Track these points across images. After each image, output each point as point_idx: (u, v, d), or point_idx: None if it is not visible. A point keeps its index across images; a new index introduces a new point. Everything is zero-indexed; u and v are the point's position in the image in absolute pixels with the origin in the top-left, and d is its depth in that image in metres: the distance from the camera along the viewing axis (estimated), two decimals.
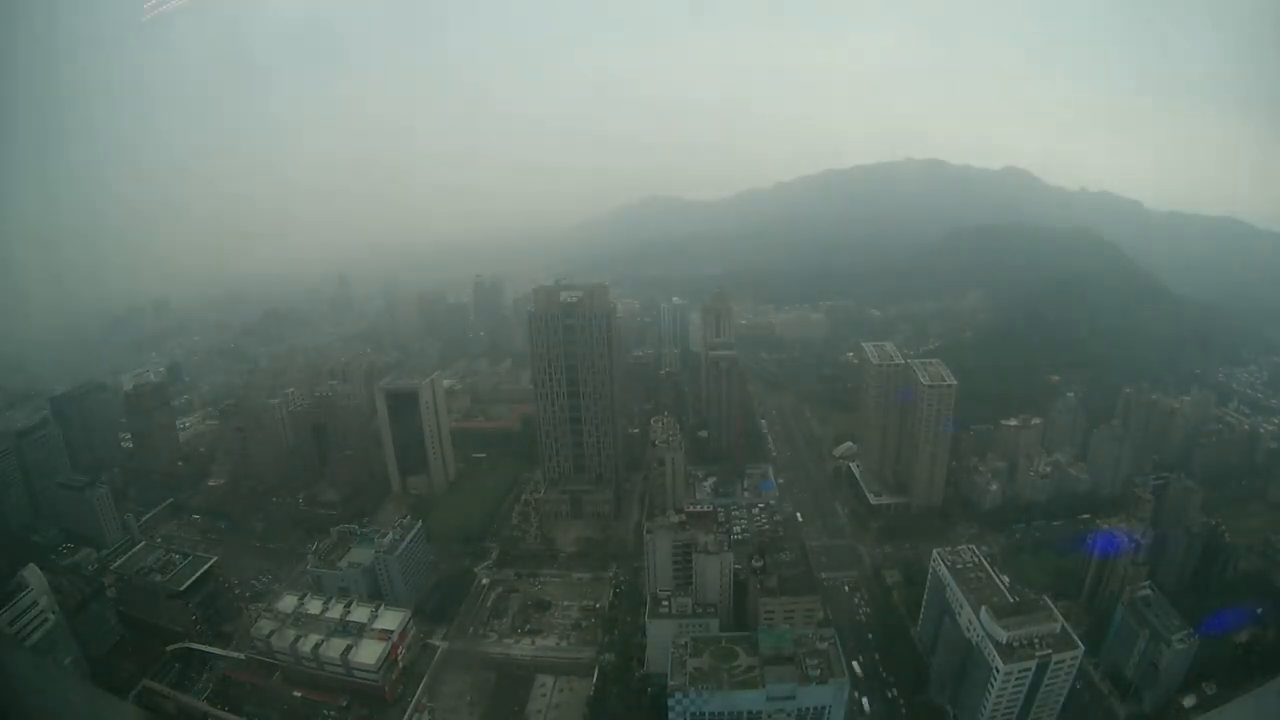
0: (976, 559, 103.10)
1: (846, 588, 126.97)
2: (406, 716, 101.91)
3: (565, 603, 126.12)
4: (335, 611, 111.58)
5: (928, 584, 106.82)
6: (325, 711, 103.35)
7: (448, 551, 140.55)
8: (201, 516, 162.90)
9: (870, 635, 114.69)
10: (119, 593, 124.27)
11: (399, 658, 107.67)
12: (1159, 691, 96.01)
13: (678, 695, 79.26)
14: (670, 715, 79.93)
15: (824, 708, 79.22)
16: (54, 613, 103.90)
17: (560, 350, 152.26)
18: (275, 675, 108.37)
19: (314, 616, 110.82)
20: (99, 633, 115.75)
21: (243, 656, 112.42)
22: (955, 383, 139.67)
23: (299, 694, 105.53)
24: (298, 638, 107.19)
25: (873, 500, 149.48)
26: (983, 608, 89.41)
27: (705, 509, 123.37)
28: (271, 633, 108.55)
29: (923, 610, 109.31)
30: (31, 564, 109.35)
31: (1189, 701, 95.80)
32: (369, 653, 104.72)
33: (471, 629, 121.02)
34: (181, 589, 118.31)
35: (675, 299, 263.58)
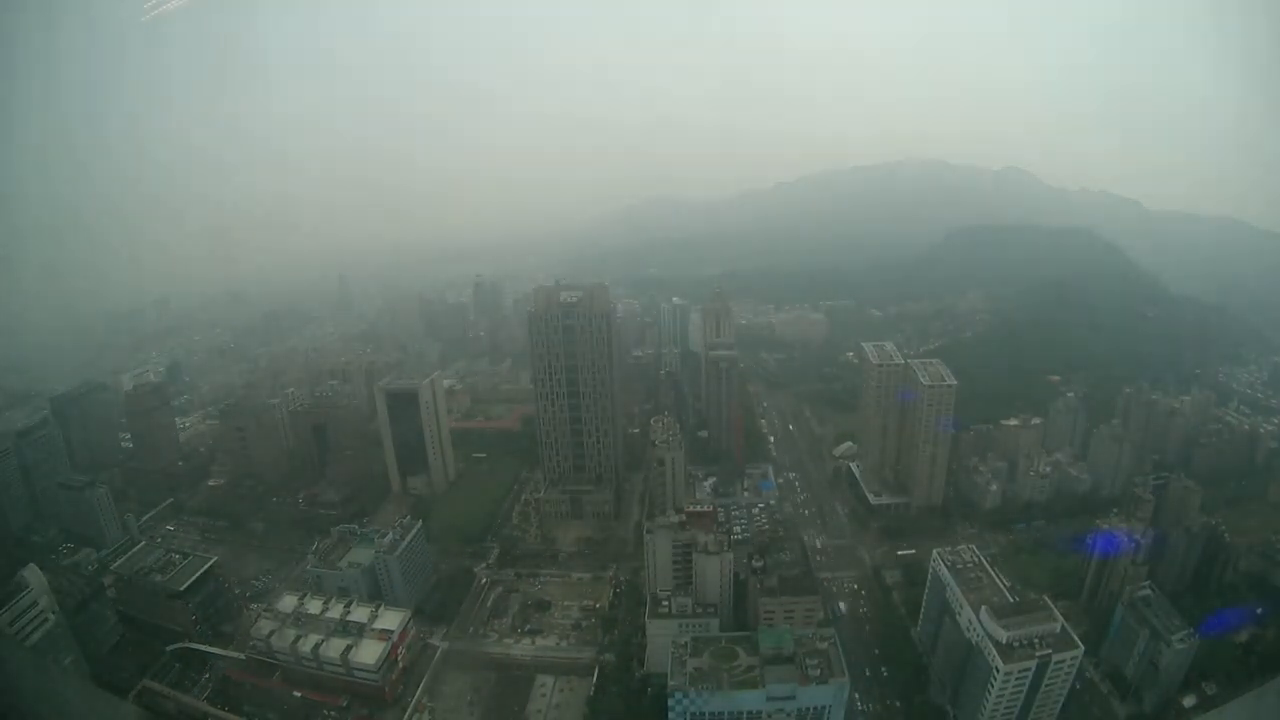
0: (976, 559, 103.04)
1: (854, 587, 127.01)
2: (406, 716, 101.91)
3: (565, 603, 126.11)
4: (335, 611, 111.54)
5: (928, 584, 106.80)
6: (325, 711, 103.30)
7: (448, 551, 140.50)
8: (201, 516, 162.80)
9: (871, 635, 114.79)
10: (119, 593, 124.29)
11: (399, 658, 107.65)
12: (1159, 691, 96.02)
13: (678, 695, 79.27)
14: (670, 715, 79.93)
15: (824, 708, 79.23)
16: (54, 613, 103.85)
17: (560, 350, 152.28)
18: (275, 675, 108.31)
19: (314, 616, 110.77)
20: (99, 633, 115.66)
21: (243, 656, 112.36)
22: (955, 383, 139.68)
23: (299, 694, 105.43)
24: (298, 638, 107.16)
25: (873, 500, 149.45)
26: (983, 608, 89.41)
27: (705, 509, 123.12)
28: (271, 633, 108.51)
29: (923, 610, 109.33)
30: (31, 564, 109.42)
31: (1189, 701, 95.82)
32: (369, 653, 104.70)
33: (471, 629, 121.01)
34: (181, 589, 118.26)
35: (675, 299, 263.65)
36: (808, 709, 79.11)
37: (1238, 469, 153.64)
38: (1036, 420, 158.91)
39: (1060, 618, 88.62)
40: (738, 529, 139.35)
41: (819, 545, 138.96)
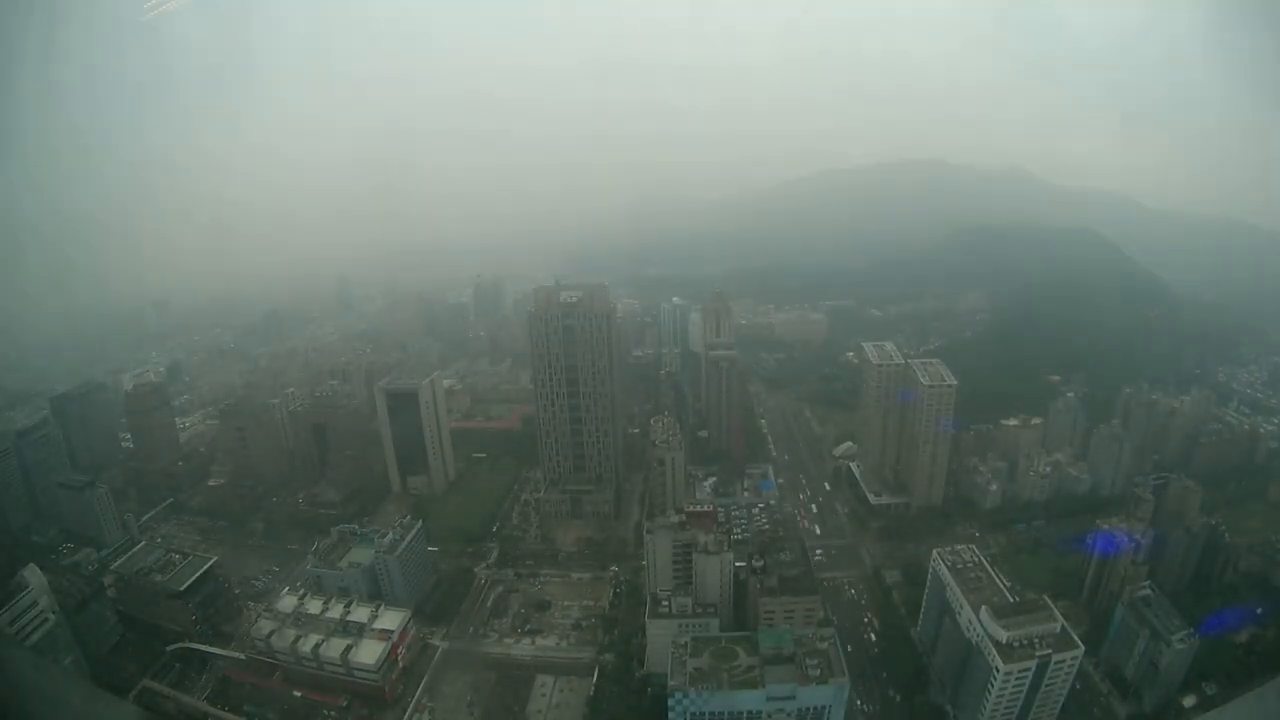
0: (976, 559, 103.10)
1: (851, 591, 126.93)
2: (406, 716, 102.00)
3: (565, 603, 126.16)
4: (335, 611, 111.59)
5: (928, 584, 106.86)
6: (325, 711, 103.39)
7: (448, 551, 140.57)
8: (201, 516, 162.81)
9: (871, 634, 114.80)
10: (119, 593, 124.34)
11: (399, 658, 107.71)
12: (1159, 691, 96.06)
13: (678, 695, 79.31)
14: (670, 715, 79.98)
15: (824, 708, 79.28)
16: (54, 613, 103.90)
17: (560, 350, 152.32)
18: (275, 675, 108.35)
19: (314, 616, 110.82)
20: (99, 633, 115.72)
21: (243, 656, 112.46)
22: (955, 383, 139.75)
23: (299, 694, 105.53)
24: (298, 638, 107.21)
25: (873, 500, 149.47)
26: (983, 608, 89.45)
27: (705, 509, 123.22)
28: (271, 633, 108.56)
29: (923, 610, 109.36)
30: (31, 564, 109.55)
31: (1189, 701, 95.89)
32: (369, 653, 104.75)
33: (471, 629, 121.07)
34: (181, 589, 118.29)
35: (675, 299, 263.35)
36: (808, 709, 79.14)
37: (1238, 469, 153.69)
38: (1036, 420, 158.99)
39: (1060, 618, 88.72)
40: (738, 529, 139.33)
41: (819, 545, 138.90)
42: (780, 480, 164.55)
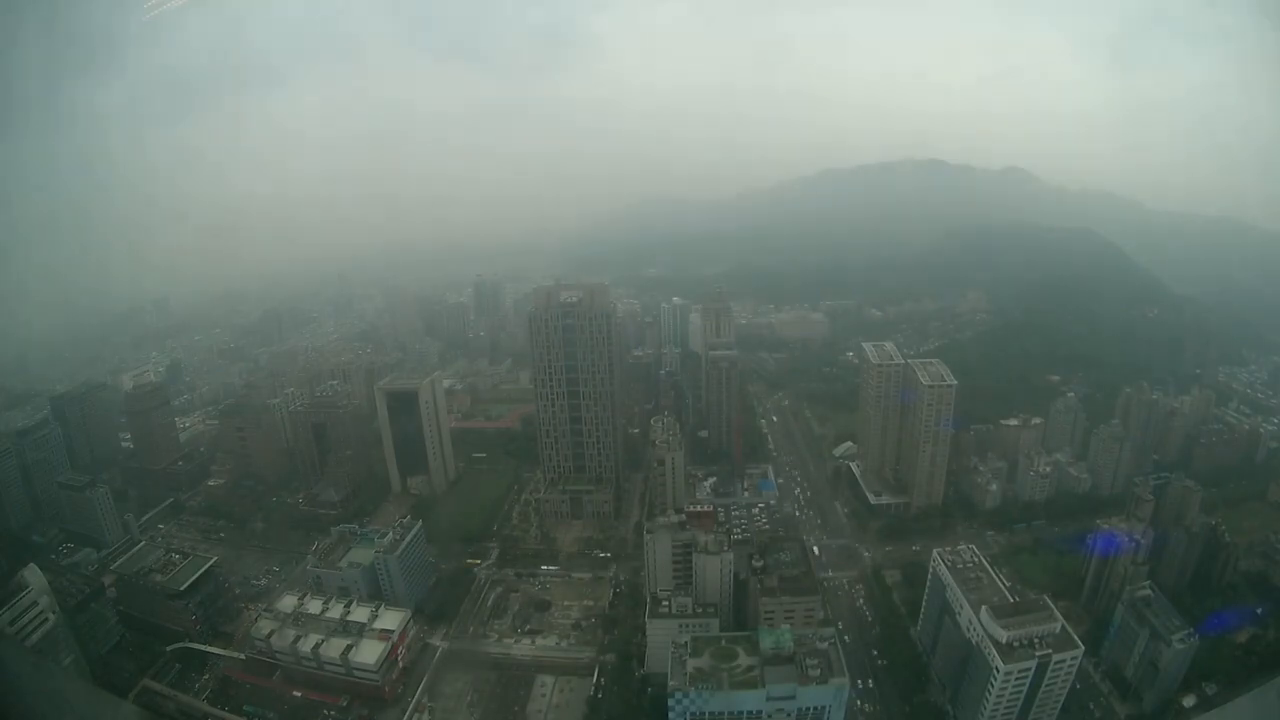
0: (976, 559, 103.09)
1: (851, 591, 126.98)
2: (406, 716, 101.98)
3: (565, 603, 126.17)
4: (335, 611, 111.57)
5: (928, 584, 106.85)
6: (325, 711, 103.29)
7: (448, 551, 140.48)
8: (201, 516, 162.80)
9: (873, 634, 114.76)
10: (119, 593, 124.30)
11: (399, 657, 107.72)
12: (1159, 691, 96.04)
13: (678, 695, 79.24)
14: (670, 715, 79.90)
15: (824, 708, 79.18)
16: (54, 613, 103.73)
17: (560, 350, 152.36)
18: (275, 675, 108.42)
19: (314, 616, 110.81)
20: (99, 633, 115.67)
21: (243, 656, 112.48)
22: (955, 383, 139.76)
23: (299, 694, 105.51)
24: (298, 638, 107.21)
25: (873, 500, 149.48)
26: (983, 608, 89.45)
27: (705, 509, 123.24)
28: (271, 633, 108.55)
29: (923, 610, 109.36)
30: (31, 564, 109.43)
31: (1189, 701, 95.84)
32: (369, 652, 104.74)
33: (471, 629, 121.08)
34: (181, 589, 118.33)
35: (675, 299, 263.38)
36: (808, 709, 79.07)
37: (1238, 469, 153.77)
38: (1036, 420, 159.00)
39: (1060, 618, 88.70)
40: (738, 529, 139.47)
41: (819, 545, 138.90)
42: (780, 480, 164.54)
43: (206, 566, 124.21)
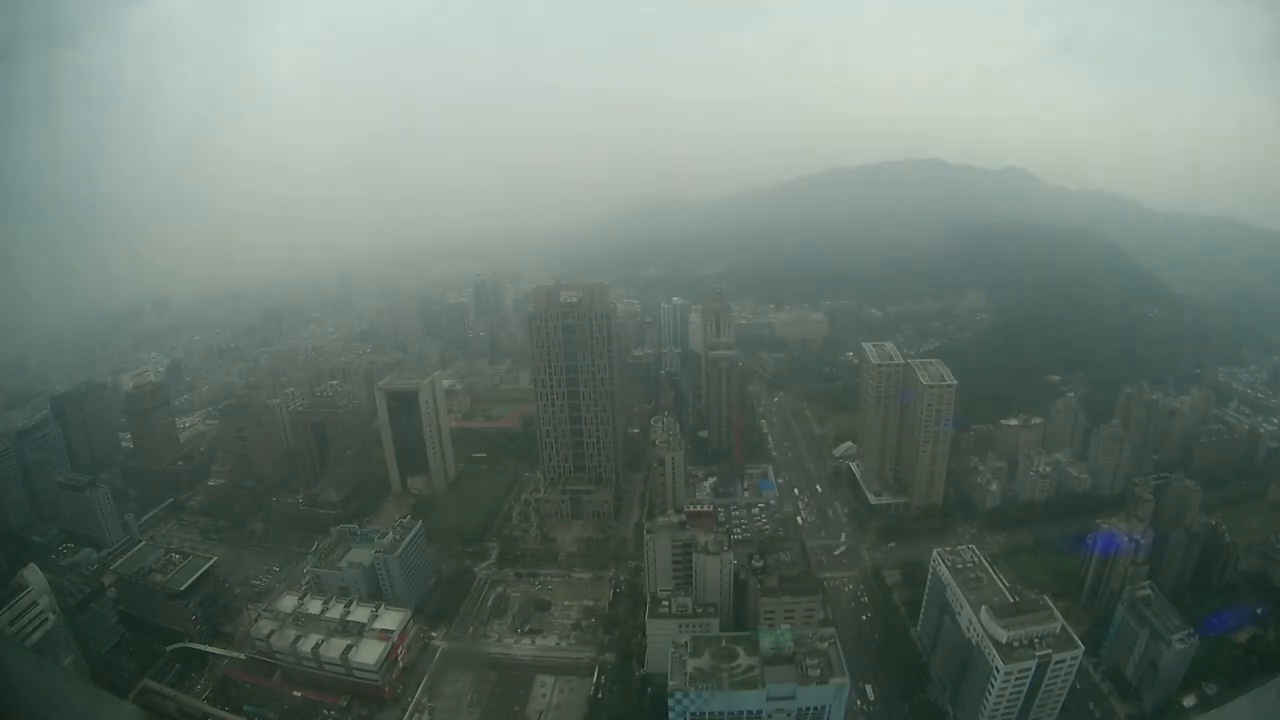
0: (976, 559, 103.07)
1: (851, 591, 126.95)
2: (406, 716, 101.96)
3: (565, 603, 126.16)
4: (335, 611, 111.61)
5: (928, 584, 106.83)
6: (325, 711, 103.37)
7: (448, 551, 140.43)
8: (201, 516, 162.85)
9: (873, 635, 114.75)
10: (119, 593, 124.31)
11: (399, 657, 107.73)
12: (1159, 691, 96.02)
13: (678, 695, 79.24)
14: (670, 715, 79.91)
15: (824, 708, 79.19)
16: (54, 613, 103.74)
17: (560, 350, 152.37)
18: (275, 675, 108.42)
19: (314, 616, 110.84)
20: (99, 633, 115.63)
21: (243, 656, 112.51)
22: (955, 383, 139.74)
23: (299, 694, 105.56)
24: (298, 638, 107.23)
25: (873, 500, 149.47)
26: (983, 608, 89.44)
27: (705, 509, 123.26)
28: (271, 633, 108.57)
29: (923, 610, 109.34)
30: (31, 564, 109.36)
31: (1189, 701, 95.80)
32: (369, 652, 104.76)
33: (471, 629, 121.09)
34: (181, 589, 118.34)
35: (675, 299, 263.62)
36: (808, 709, 79.08)
37: (1238, 469, 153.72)
38: (1036, 420, 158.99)
39: (1060, 618, 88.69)
40: (738, 529, 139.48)
41: (819, 545, 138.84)
42: (780, 480, 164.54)
43: (206, 566, 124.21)
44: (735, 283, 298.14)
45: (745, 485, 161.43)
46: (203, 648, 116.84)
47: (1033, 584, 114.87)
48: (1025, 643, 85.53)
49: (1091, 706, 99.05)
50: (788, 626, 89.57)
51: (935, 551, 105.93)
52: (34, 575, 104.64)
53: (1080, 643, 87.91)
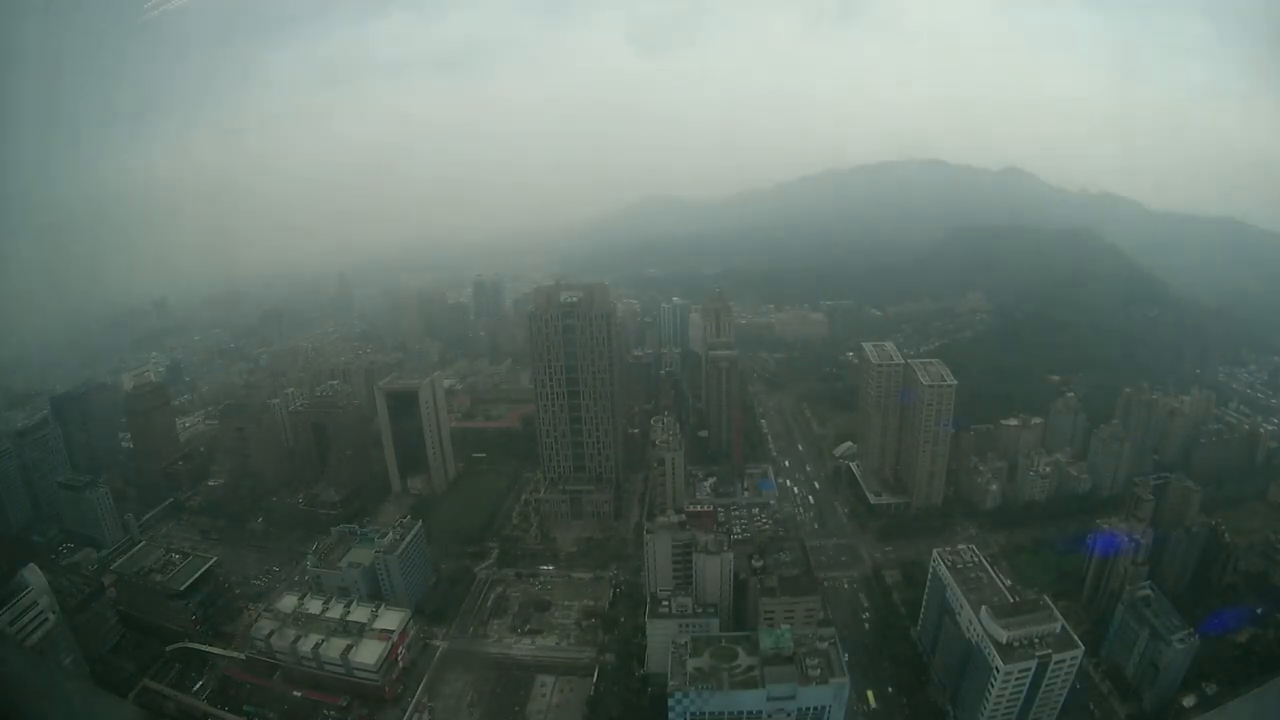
0: (976, 559, 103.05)
1: (851, 591, 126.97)
2: (406, 716, 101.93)
3: (565, 603, 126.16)
4: (335, 611, 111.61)
5: (928, 584, 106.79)
6: (325, 711, 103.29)
7: (448, 551, 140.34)
8: (201, 516, 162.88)
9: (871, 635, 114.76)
10: (119, 593, 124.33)
11: (399, 657, 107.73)
12: (1159, 691, 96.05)
13: (678, 695, 79.25)
14: (670, 715, 79.92)
15: (824, 708, 79.21)
16: (54, 613, 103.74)
17: (560, 350, 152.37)
18: (275, 675, 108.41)
19: (314, 616, 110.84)
20: (99, 633, 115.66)
21: (243, 656, 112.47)
22: (955, 383, 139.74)
23: (299, 694, 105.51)
24: (298, 638, 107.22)
25: (873, 500, 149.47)
26: (983, 608, 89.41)
27: (705, 509, 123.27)
28: (271, 633, 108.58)
29: (923, 610, 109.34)
30: (31, 564, 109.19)
31: (1189, 701, 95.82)
32: (369, 652, 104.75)
33: (471, 629, 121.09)
34: (181, 589, 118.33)
35: (675, 299, 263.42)
36: (808, 709, 79.10)
37: (1238, 469, 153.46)
38: (1036, 420, 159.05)
39: (1060, 618, 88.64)
40: (738, 529, 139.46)
41: (819, 545, 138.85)
42: (780, 480, 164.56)
43: (206, 566, 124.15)
44: (735, 283, 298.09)
45: (745, 485, 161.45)
46: (203, 648, 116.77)
47: (1033, 584, 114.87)
48: (1025, 643, 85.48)
49: (1091, 706, 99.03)
50: (788, 626, 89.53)
51: (935, 551, 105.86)
52: (34, 575, 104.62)
53: (1080, 643, 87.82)
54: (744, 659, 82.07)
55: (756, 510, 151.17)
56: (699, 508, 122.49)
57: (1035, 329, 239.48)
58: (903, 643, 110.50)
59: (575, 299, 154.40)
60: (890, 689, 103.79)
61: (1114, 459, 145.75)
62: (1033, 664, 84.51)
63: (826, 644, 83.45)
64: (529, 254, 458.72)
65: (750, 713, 79.14)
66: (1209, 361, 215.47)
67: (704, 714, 79.18)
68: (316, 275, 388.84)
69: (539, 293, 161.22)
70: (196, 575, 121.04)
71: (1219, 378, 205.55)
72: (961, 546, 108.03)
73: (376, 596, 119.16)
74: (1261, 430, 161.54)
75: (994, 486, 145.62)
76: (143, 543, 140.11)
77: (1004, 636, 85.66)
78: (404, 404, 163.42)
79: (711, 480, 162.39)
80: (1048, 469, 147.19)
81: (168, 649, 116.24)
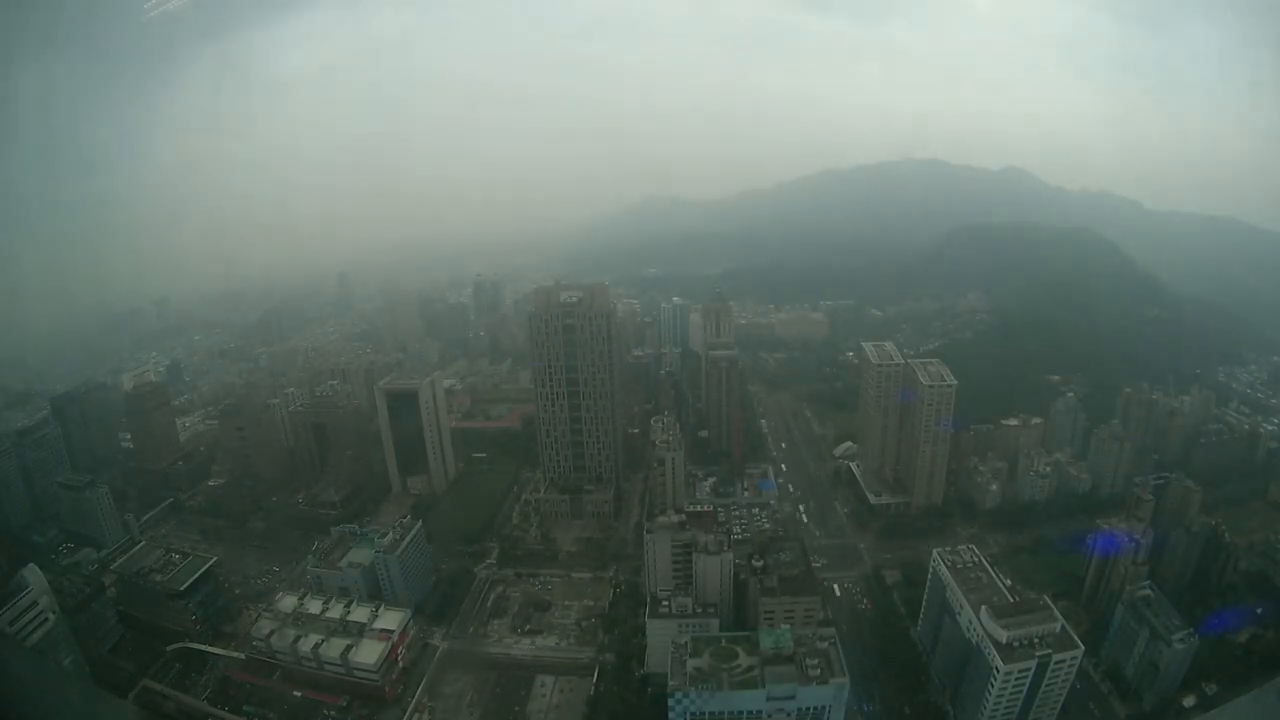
0: (976, 559, 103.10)
1: (851, 591, 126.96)
2: (406, 716, 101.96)
3: (565, 603, 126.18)
4: (335, 611, 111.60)
5: (928, 584, 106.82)
6: (325, 711, 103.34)
7: (448, 551, 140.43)
8: (201, 516, 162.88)
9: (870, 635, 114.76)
10: (119, 593, 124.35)
11: (399, 657, 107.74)
12: (1159, 691, 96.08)
13: (678, 695, 79.24)
14: (670, 715, 79.92)
15: (824, 708, 79.21)
16: (54, 613, 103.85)
17: (560, 350, 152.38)
18: (275, 675, 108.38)
19: (314, 616, 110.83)
20: (99, 633, 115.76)
21: (243, 656, 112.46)
22: (955, 383, 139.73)
23: (299, 694, 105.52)
24: (298, 638, 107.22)
25: (873, 500, 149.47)
26: (983, 608, 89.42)
27: (705, 509, 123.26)
28: (271, 633, 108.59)
29: (923, 610, 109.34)
30: (31, 564, 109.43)
31: (1189, 701, 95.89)
32: (369, 652, 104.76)
33: (471, 629, 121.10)
34: (181, 589, 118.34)
35: (675, 299, 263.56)
36: (808, 709, 79.10)
37: (1238, 469, 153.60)
38: (1036, 420, 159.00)
39: (1060, 618, 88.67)
40: (738, 529, 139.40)
41: (819, 545, 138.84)
42: (780, 480, 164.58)
43: (206, 566, 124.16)
44: (735, 283, 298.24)
45: (745, 485, 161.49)
46: (203, 648, 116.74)
47: (1033, 584, 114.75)
48: (1025, 643, 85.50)
49: (1091, 706, 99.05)
50: (788, 626, 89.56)
51: (935, 551, 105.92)
52: (34, 575, 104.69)
53: (1080, 643, 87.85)
54: (744, 659, 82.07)
55: (756, 510, 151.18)
56: (699, 508, 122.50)
57: (1035, 329, 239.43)
58: (903, 643, 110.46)
59: (575, 299, 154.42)
60: (890, 689, 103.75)
61: (1114, 459, 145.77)
62: (1033, 664, 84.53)
63: (826, 644, 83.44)
64: (529, 254, 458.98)
65: (750, 713, 79.14)
66: (1209, 361, 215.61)
67: (704, 714, 79.18)
68: (316, 275, 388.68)
69: (539, 293, 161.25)
70: (196, 575, 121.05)
71: (1219, 378, 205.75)
72: (961, 546, 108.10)
73: (376, 596, 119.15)
74: (1261, 430, 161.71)
75: (994, 486, 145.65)
76: (143, 543, 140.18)
77: (1004, 636, 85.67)
78: (404, 404, 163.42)
79: (711, 480, 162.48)
80: (1048, 469, 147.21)
81: (168, 649, 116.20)
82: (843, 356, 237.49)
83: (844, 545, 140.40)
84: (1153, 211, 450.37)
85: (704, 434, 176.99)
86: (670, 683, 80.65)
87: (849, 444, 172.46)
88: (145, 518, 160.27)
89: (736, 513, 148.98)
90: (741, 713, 79.24)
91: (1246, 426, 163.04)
